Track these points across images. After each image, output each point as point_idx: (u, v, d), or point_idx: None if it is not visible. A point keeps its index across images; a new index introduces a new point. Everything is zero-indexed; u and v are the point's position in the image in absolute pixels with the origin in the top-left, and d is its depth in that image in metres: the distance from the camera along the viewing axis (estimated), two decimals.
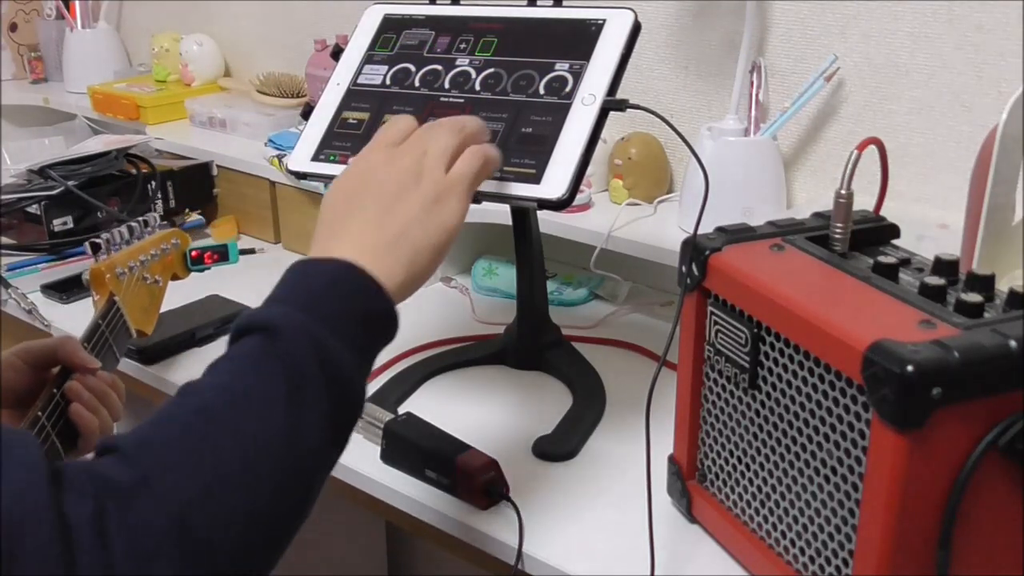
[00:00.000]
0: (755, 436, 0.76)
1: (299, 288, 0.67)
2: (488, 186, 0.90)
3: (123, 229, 1.06)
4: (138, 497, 0.54)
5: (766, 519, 0.76)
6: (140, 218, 1.09)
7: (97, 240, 1.02)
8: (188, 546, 0.54)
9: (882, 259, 0.72)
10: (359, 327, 0.66)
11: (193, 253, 1.16)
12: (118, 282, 1.01)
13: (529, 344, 1.11)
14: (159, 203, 1.52)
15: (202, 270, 1.19)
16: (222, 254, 1.23)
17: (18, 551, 0.49)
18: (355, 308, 0.66)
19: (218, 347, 1.22)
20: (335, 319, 0.65)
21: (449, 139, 0.76)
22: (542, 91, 0.92)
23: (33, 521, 0.50)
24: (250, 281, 1.27)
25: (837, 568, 0.69)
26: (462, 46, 0.99)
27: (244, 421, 0.59)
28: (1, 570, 0.49)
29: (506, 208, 1.04)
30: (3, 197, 1.41)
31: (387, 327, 0.69)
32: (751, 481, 0.77)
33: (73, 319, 1.28)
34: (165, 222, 1.21)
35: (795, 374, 0.71)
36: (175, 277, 1.14)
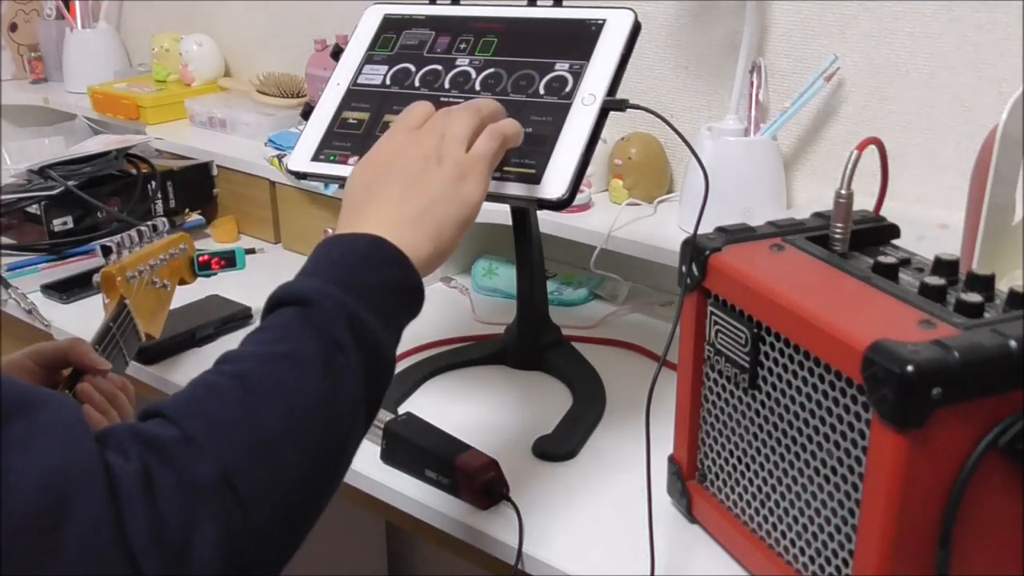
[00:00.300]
0: (755, 436, 0.76)
1: (331, 261, 0.68)
2: (488, 186, 0.90)
3: (133, 233, 1.07)
4: (183, 456, 0.55)
5: (766, 519, 0.76)
6: (149, 222, 1.10)
7: (109, 243, 1.04)
8: (231, 503, 0.55)
9: (882, 259, 0.72)
10: (390, 298, 0.68)
11: (201, 258, 1.17)
12: (128, 285, 1.03)
13: (529, 344, 1.11)
14: (159, 203, 1.52)
15: (209, 275, 1.20)
16: (229, 260, 1.24)
17: (69, 504, 0.50)
18: (386, 280, 0.68)
19: (218, 347, 1.22)
20: (367, 291, 0.67)
21: (468, 121, 0.78)
22: (542, 91, 0.92)
23: (83, 475, 0.51)
24: (250, 281, 1.27)
25: (837, 568, 0.69)
26: (462, 46, 0.99)
27: (283, 386, 0.61)
28: (52, 522, 0.49)
29: (506, 208, 1.04)
30: (3, 197, 1.41)
31: (414, 300, 0.71)
32: (751, 481, 0.77)
33: (73, 319, 1.28)
34: (171, 227, 1.22)
35: (795, 374, 0.71)
36: (182, 282, 1.16)
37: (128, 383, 0.91)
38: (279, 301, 0.66)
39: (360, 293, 0.66)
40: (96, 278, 1.02)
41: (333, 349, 0.63)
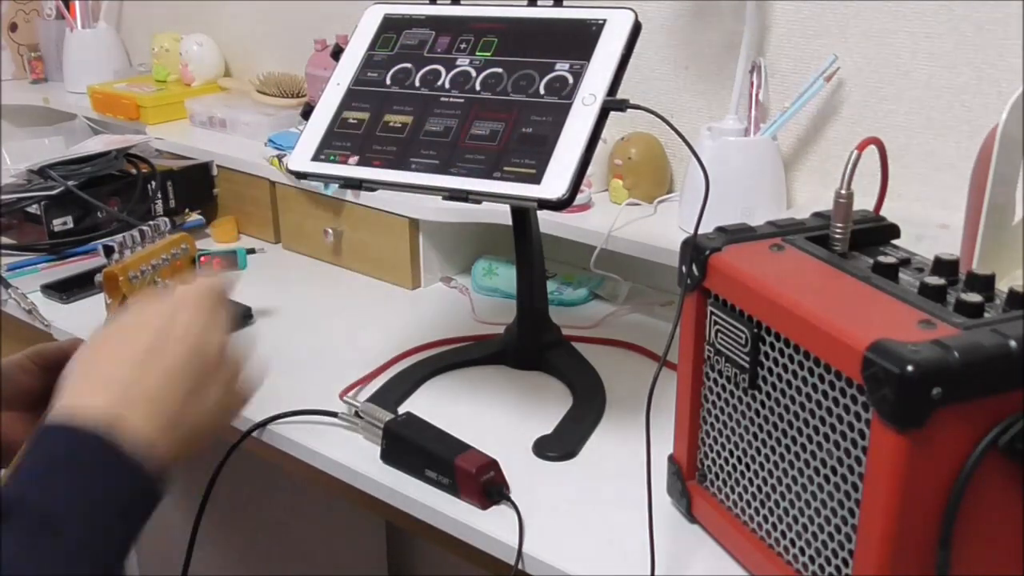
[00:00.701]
0: (755, 436, 0.76)
1: (53, 458, 0.62)
2: (488, 186, 0.90)
3: (135, 233, 1.07)
4: None
5: (766, 519, 0.76)
6: (151, 222, 1.11)
7: (111, 243, 1.04)
8: None
9: (882, 259, 0.72)
10: (113, 504, 0.62)
11: (202, 259, 1.17)
12: (131, 285, 1.03)
13: (529, 344, 1.11)
14: (159, 203, 1.52)
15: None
16: (231, 261, 1.23)
17: None
18: (112, 484, 0.62)
19: None
20: (92, 498, 0.61)
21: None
22: (542, 91, 0.92)
23: None
24: (250, 280, 1.27)
25: (837, 568, 0.69)
26: (462, 46, 0.99)
27: None
28: None
29: (506, 208, 1.04)
30: (3, 197, 1.41)
31: (150, 496, 0.64)
32: (751, 481, 0.77)
33: (73, 319, 1.28)
34: (171, 227, 1.22)
35: (795, 374, 0.71)
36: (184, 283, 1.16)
37: None
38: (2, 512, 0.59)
39: (83, 500, 0.60)
40: (99, 278, 1.02)
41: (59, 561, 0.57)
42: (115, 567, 0.61)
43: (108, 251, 1.04)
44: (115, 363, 0.68)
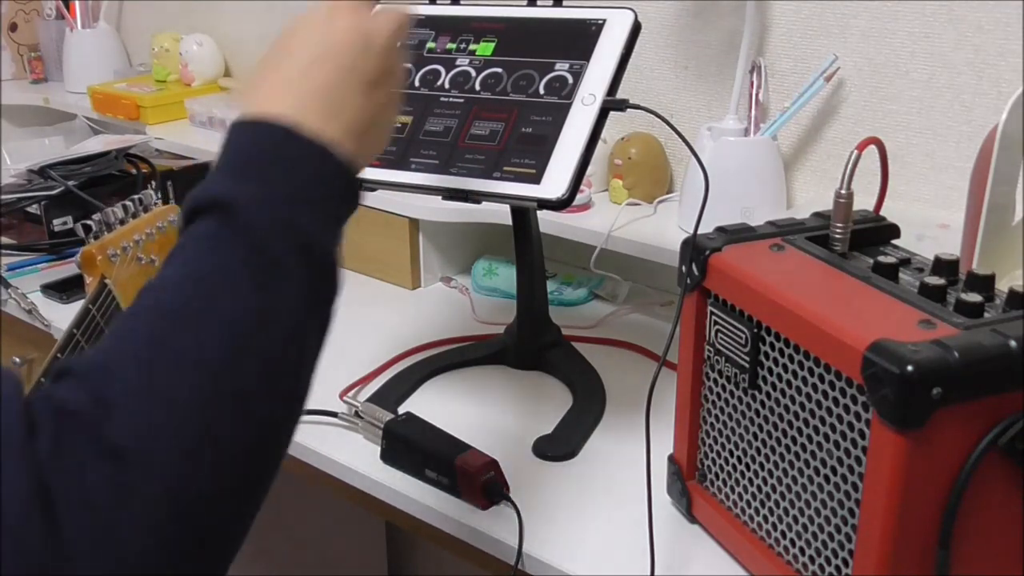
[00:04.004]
0: (755, 436, 0.76)
1: (245, 154, 0.60)
2: (488, 186, 0.90)
3: (117, 208, 1.02)
4: (91, 419, 0.48)
5: (766, 519, 0.76)
6: (135, 196, 1.06)
7: (88, 222, 1.00)
8: (154, 463, 0.48)
9: (882, 259, 0.72)
10: (317, 190, 0.60)
11: None
12: (110, 264, 0.98)
13: (529, 344, 1.11)
14: (159, 203, 1.52)
15: None
16: None
17: None
18: (309, 171, 0.60)
19: None
20: (292, 185, 0.58)
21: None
22: (542, 91, 0.92)
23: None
24: None
25: (837, 568, 0.69)
26: (462, 46, 0.99)
27: (206, 315, 0.52)
28: None
29: (506, 208, 1.04)
30: (3, 197, 1.41)
31: (347, 188, 0.62)
32: (751, 481, 0.77)
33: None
34: (160, 201, 1.18)
35: (795, 374, 0.71)
36: None
37: None
38: (193, 211, 0.57)
39: (281, 188, 0.58)
40: (76, 258, 0.98)
41: (262, 257, 0.55)
42: (325, 249, 0.58)
43: (86, 229, 1.00)
44: (283, 71, 0.66)
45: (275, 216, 0.56)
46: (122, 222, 1.04)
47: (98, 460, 0.47)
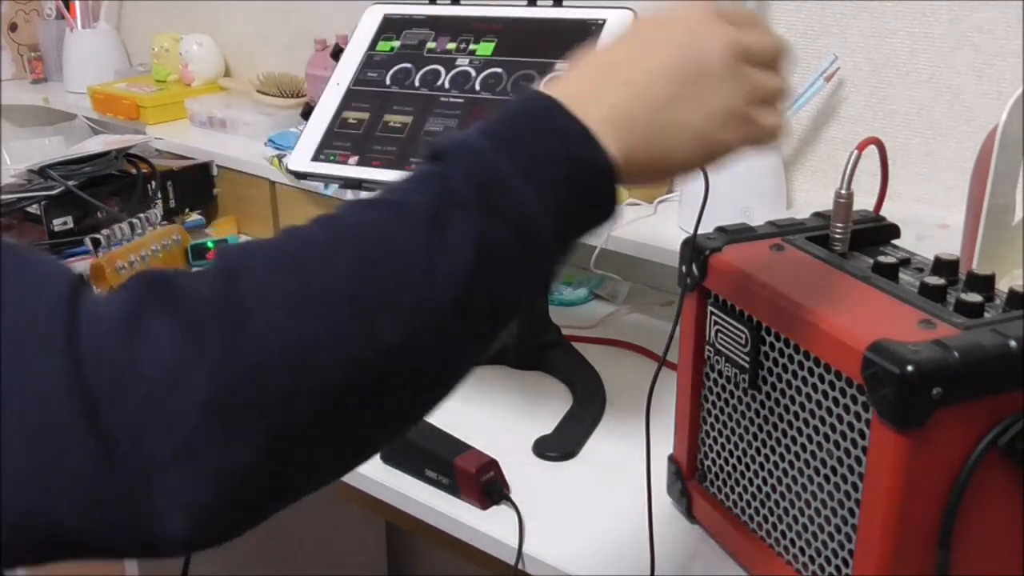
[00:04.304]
0: (755, 436, 0.76)
1: (499, 122, 0.54)
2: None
3: (124, 226, 1.07)
4: (195, 287, 0.46)
5: (766, 519, 0.76)
6: (141, 215, 1.10)
7: (97, 236, 1.03)
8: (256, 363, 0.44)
9: (882, 259, 0.72)
10: (553, 170, 0.52)
11: (209, 254, 1.17)
12: (118, 277, 1.02)
13: (529, 344, 1.11)
14: (159, 203, 1.52)
15: (204, 266, 1.19)
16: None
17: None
18: (549, 147, 0.52)
19: None
20: (525, 153, 0.52)
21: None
22: None
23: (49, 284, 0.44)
24: None
25: (837, 568, 0.69)
26: (462, 46, 0.99)
27: (368, 231, 0.48)
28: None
29: None
30: (3, 197, 1.41)
31: (598, 189, 0.54)
32: (751, 481, 0.77)
33: None
34: (166, 221, 1.21)
35: (795, 374, 0.71)
36: None
37: None
38: (424, 157, 0.54)
39: (513, 153, 0.51)
40: (85, 271, 1.01)
41: (448, 202, 0.49)
42: (540, 223, 0.51)
43: (95, 243, 1.02)
44: (588, 71, 0.58)
45: (480, 170, 0.51)
46: (128, 239, 1.07)
47: (168, 321, 0.44)
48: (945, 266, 0.71)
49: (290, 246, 0.49)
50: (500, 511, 0.88)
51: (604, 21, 0.94)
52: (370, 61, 1.02)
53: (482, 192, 0.50)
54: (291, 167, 0.98)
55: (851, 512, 0.67)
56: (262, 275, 0.46)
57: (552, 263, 0.53)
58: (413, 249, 0.48)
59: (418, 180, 0.52)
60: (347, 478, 0.96)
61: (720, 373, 0.79)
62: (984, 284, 0.68)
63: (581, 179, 0.53)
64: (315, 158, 0.97)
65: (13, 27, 2.12)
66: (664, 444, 0.85)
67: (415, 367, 0.48)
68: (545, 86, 0.57)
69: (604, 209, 0.54)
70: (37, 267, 0.46)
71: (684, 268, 0.80)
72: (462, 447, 0.92)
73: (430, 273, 0.48)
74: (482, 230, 0.49)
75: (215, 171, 1.58)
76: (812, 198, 1.23)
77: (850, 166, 0.74)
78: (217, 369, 0.44)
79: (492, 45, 0.98)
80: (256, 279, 0.46)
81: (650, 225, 1.23)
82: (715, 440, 0.81)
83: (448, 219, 0.49)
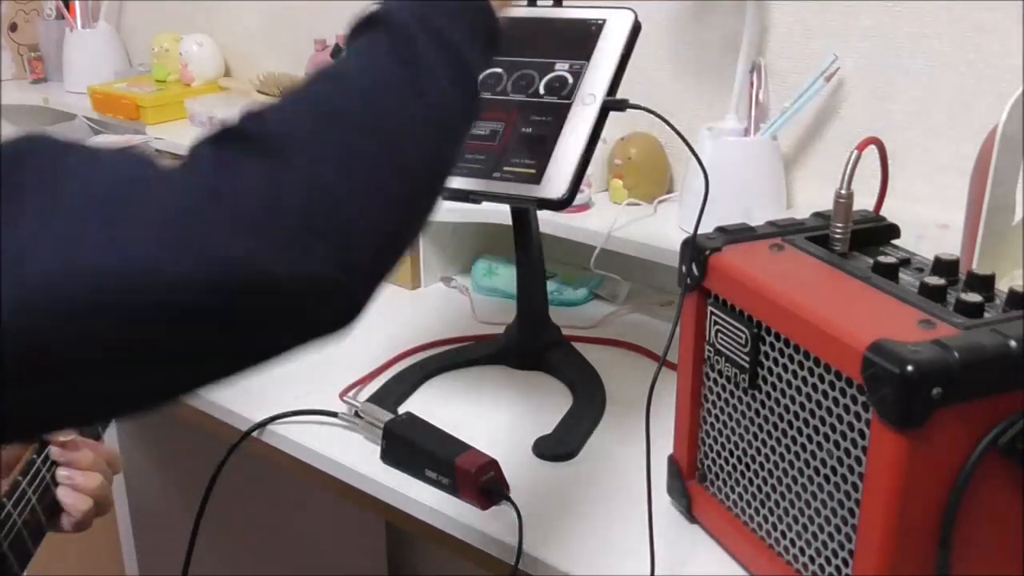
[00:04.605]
0: (755, 436, 0.76)
1: None
2: (488, 186, 0.90)
3: None
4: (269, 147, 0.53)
5: (766, 519, 0.76)
6: None
7: None
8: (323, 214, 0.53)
9: (882, 259, 0.73)
10: (470, 22, 0.66)
11: None
12: None
13: (529, 344, 1.11)
14: None
15: None
16: None
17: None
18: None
19: None
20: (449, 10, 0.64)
21: None
22: (542, 91, 0.92)
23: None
24: None
25: (837, 568, 0.69)
26: None
27: (364, 73, 0.59)
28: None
29: (506, 208, 1.04)
30: None
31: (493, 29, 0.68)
32: (751, 481, 0.77)
33: None
34: None
35: (795, 374, 0.71)
36: None
37: (113, 454, 0.85)
38: (358, 27, 0.63)
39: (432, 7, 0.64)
40: None
41: (412, 52, 0.61)
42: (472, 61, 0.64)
43: None
44: None
45: (413, 12, 0.62)
46: None
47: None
48: (945, 266, 0.71)
49: (317, 111, 0.57)
50: (500, 511, 0.88)
51: (604, 21, 0.94)
52: None
53: (437, 44, 0.62)
54: None
55: (851, 512, 0.67)
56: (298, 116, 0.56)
57: (474, 85, 0.65)
58: (405, 83, 0.60)
59: (369, 44, 0.62)
60: (347, 478, 0.96)
61: (720, 373, 0.79)
62: (984, 284, 0.68)
63: (478, 19, 0.66)
64: None
65: (13, 27, 2.12)
66: (664, 444, 0.85)
67: (448, 160, 0.67)
68: None
69: (491, 33, 0.68)
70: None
71: (684, 268, 0.80)
72: (462, 447, 0.92)
73: (421, 97, 0.60)
74: (436, 60, 0.61)
75: None
76: (812, 198, 1.23)
77: (850, 166, 0.74)
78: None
79: None
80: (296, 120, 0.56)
81: (650, 225, 1.23)
82: (715, 440, 0.81)
83: (410, 57, 0.60)
